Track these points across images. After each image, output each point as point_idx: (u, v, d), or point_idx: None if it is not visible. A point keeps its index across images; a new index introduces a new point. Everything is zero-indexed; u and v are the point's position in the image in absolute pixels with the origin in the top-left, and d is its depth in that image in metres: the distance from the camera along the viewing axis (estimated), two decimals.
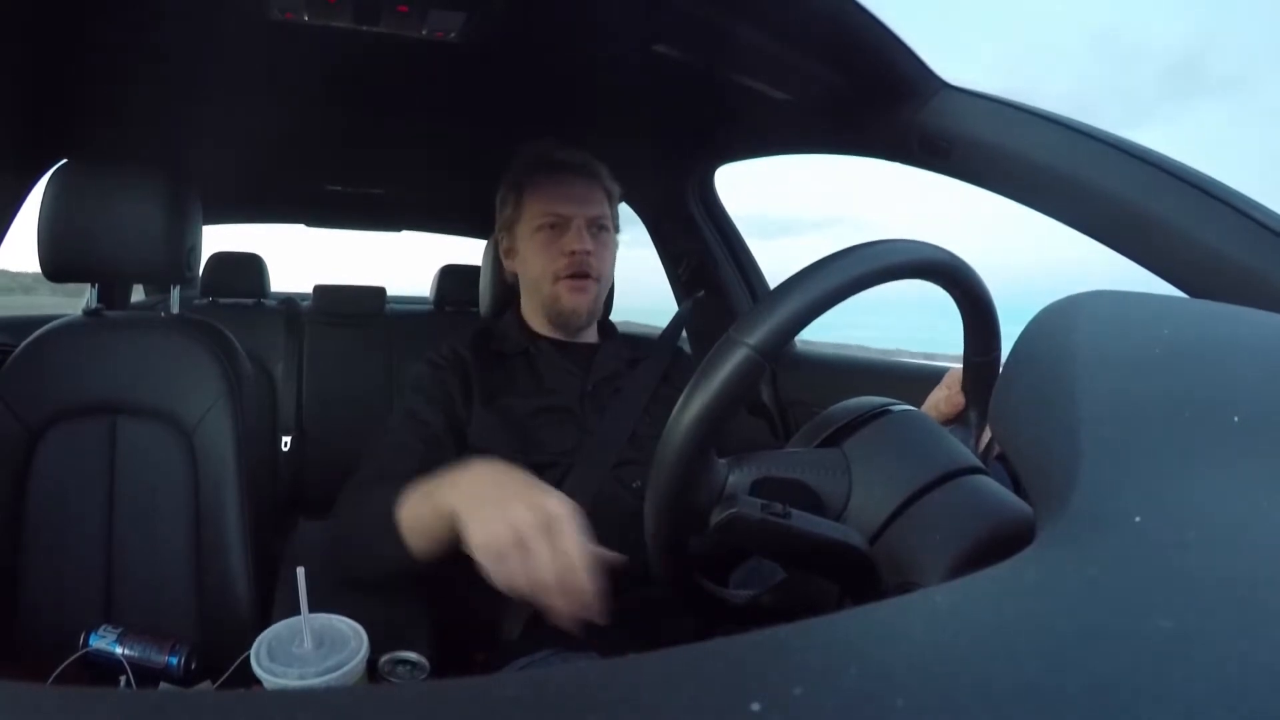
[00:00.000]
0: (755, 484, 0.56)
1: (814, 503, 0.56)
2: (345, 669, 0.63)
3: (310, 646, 0.65)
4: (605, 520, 0.96)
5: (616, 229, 1.17)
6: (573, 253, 1.07)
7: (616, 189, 1.15)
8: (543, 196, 1.09)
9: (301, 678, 0.62)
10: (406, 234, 2.76)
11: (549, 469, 0.98)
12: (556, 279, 1.08)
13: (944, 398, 0.71)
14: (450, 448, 0.98)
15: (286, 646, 0.65)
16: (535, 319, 1.14)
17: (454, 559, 1.05)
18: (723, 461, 0.57)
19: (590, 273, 1.08)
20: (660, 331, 1.25)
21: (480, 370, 1.05)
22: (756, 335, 0.50)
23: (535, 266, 1.09)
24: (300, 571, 0.68)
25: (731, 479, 0.56)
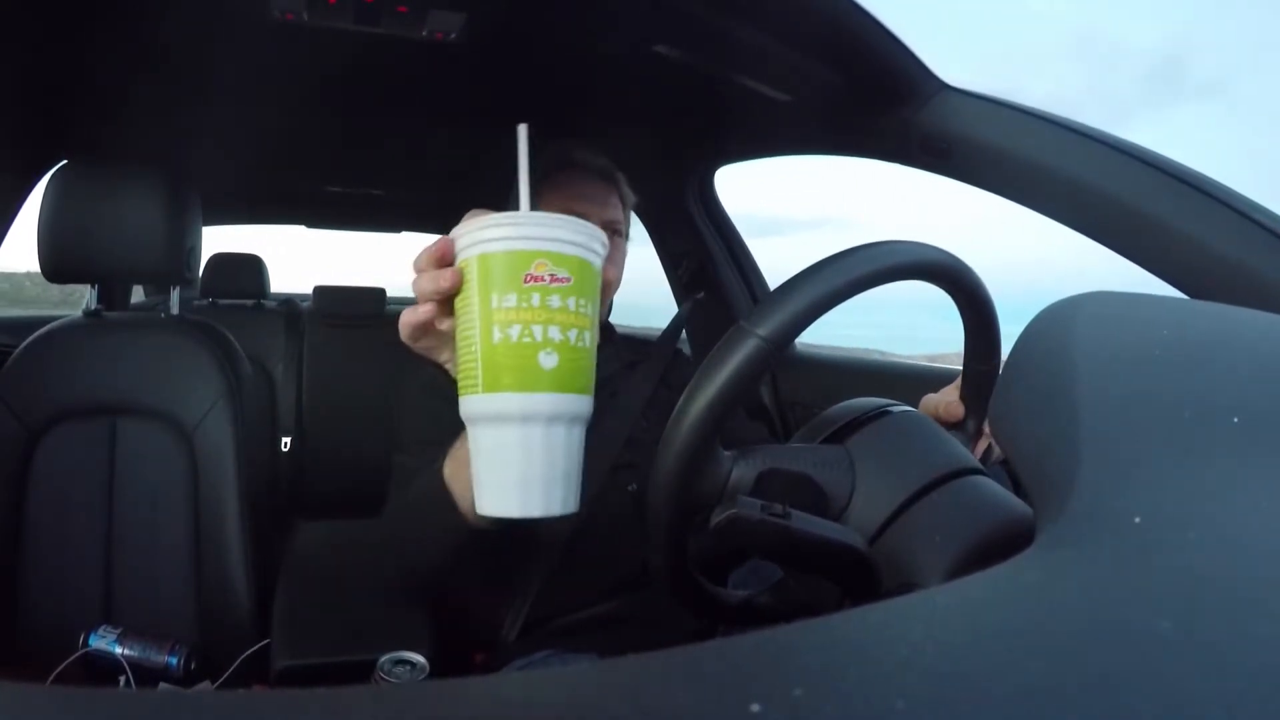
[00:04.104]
0: (761, 475, 0.56)
1: (820, 497, 0.56)
2: (578, 225, 0.47)
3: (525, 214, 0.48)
4: (600, 523, 0.96)
5: (627, 237, 1.16)
6: None
7: (631, 197, 1.14)
8: (559, 194, 1.08)
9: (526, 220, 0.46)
10: (406, 235, 2.76)
11: None
12: None
13: (942, 405, 0.71)
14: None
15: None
16: None
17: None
18: (728, 453, 0.57)
19: None
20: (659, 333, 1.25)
21: None
22: (767, 326, 0.50)
23: None
24: (522, 128, 0.54)
25: (736, 470, 0.56)
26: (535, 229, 0.45)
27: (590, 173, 1.10)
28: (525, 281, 0.44)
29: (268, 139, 1.59)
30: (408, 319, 0.53)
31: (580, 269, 0.46)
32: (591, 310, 0.47)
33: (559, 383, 0.45)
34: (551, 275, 0.44)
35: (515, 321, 0.44)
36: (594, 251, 0.48)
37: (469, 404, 0.46)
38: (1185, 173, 0.74)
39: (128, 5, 0.98)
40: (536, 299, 0.44)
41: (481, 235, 0.45)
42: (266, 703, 0.17)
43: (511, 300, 0.44)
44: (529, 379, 0.44)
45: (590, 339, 0.47)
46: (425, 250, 0.51)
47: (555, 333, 0.44)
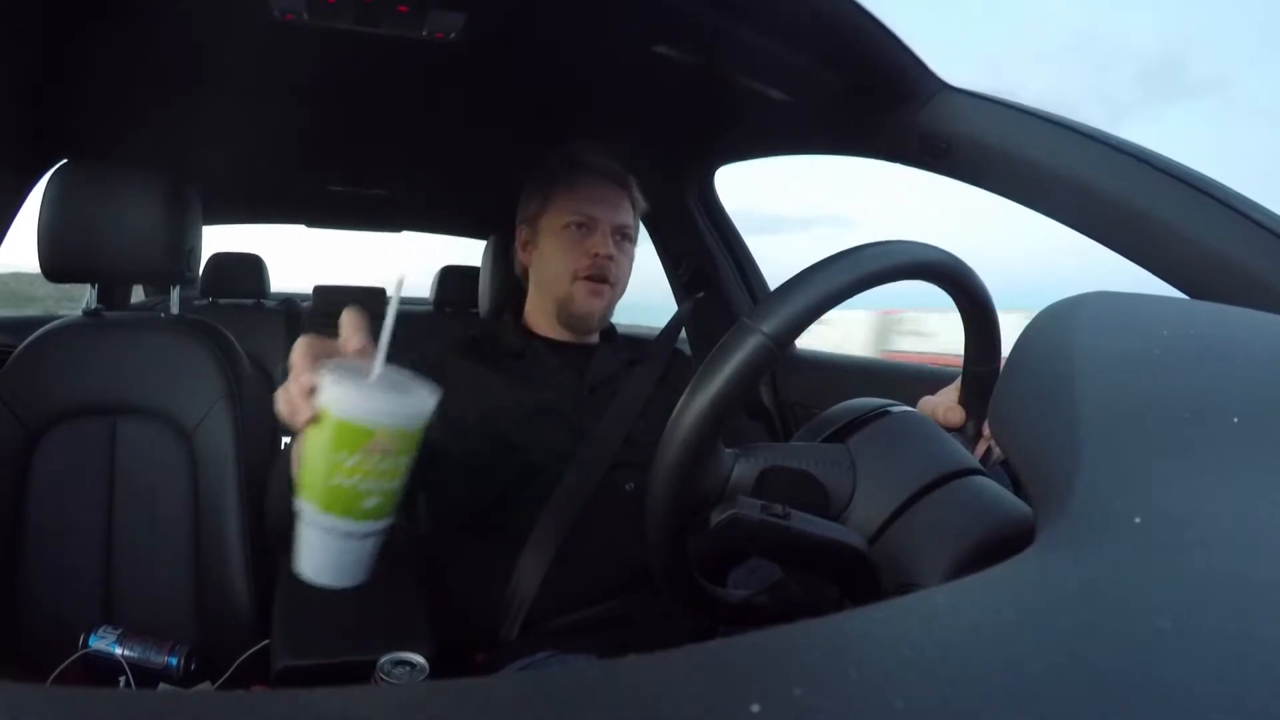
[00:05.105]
0: (763, 473, 0.56)
1: (821, 495, 0.56)
2: (416, 405, 0.54)
3: (377, 376, 0.56)
4: (597, 520, 0.96)
5: (635, 241, 1.17)
6: (596, 255, 1.07)
7: (641, 202, 1.16)
8: (574, 196, 1.10)
9: (380, 395, 0.53)
10: (407, 234, 2.76)
11: (539, 471, 0.98)
12: (575, 278, 1.07)
13: (943, 407, 0.71)
14: None
15: (357, 374, 0.56)
16: (540, 319, 1.13)
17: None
18: (730, 451, 0.56)
19: (609, 278, 1.08)
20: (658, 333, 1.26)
21: (462, 373, 1.05)
22: (771, 323, 0.50)
23: (556, 263, 1.09)
24: (401, 276, 0.60)
25: (738, 468, 0.56)
26: (385, 404, 0.53)
27: (604, 177, 1.11)
28: (367, 448, 0.53)
29: (268, 138, 1.59)
30: (289, 413, 0.58)
31: (415, 436, 0.55)
32: (413, 457, 0.56)
33: (374, 514, 0.56)
34: (386, 446, 0.54)
35: (354, 474, 0.54)
36: (427, 415, 0.56)
37: (303, 505, 0.56)
38: (1185, 173, 0.74)
39: (128, 5, 0.98)
40: (372, 462, 0.54)
41: (340, 395, 0.53)
42: (266, 703, 0.17)
43: (353, 461, 0.53)
44: (354, 512, 0.55)
45: (407, 477, 0.57)
46: (296, 378, 0.57)
47: (381, 484, 0.55)
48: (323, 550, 0.57)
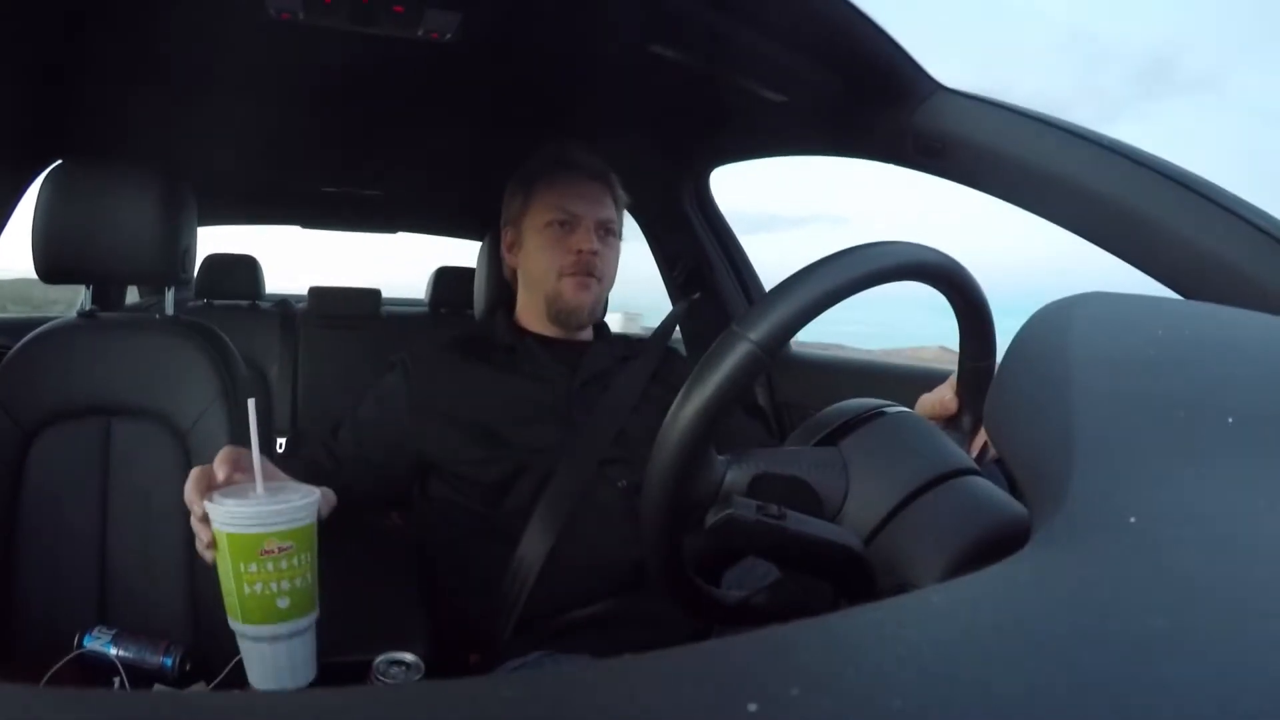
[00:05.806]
0: (755, 479, 0.56)
1: (813, 500, 0.56)
2: (295, 504, 0.64)
3: (262, 492, 0.67)
4: (590, 518, 0.96)
5: (620, 236, 1.18)
6: (580, 251, 1.07)
7: (624, 197, 1.16)
8: (555, 194, 1.10)
9: (257, 505, 0.64)
10: (402, 236, 2.75)
11: (531, 467, 0.98)
12: (561, 275, 1.08)
13: (937, 401, 0.71)
14: (380, 448, 1.03)
15: (241, 493, 0.67)
16: (531, 316, 1.14)
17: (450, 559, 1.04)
18: (722, 458, 0.57)
19: (595, 272, 1.09)
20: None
21: (454, 369, 1.06)
22: (759, 330, 0.50)
23: (541, 261, 1.10)
24: (250, 403, 0.70)
25: (730, 475, 0.56)
26: (264, 511, 0.63)
27: (585, 173, 1.11)
28: (261, 554, 0.62)
29: (263, 139, 1.59)
30: (202, 547, 0.69)
31: (302, 533, 0.64)
32: (311, 554, 0.65)
33: (292, 614, 0.64)
34: (279, 547, 0.62)
35: (258, 580, 0.62)
36: (312, 513, 0.65)
37: (233, 624, 0.65)
38: (1179, 173, 0.75)
39: (124, 4, 0.98)
40: (270, 565, 0.62)
41: (226, 518, 0.63)
42: (261, 704, 0.17)
43: (253, 568, 0.62)
44: (271, 616, 0.63)
45: (312, 573, 0.65)
46: (191, 511, 0.68)
47: (286, 584, 0.63)
48: (260, 659, 0.65)
